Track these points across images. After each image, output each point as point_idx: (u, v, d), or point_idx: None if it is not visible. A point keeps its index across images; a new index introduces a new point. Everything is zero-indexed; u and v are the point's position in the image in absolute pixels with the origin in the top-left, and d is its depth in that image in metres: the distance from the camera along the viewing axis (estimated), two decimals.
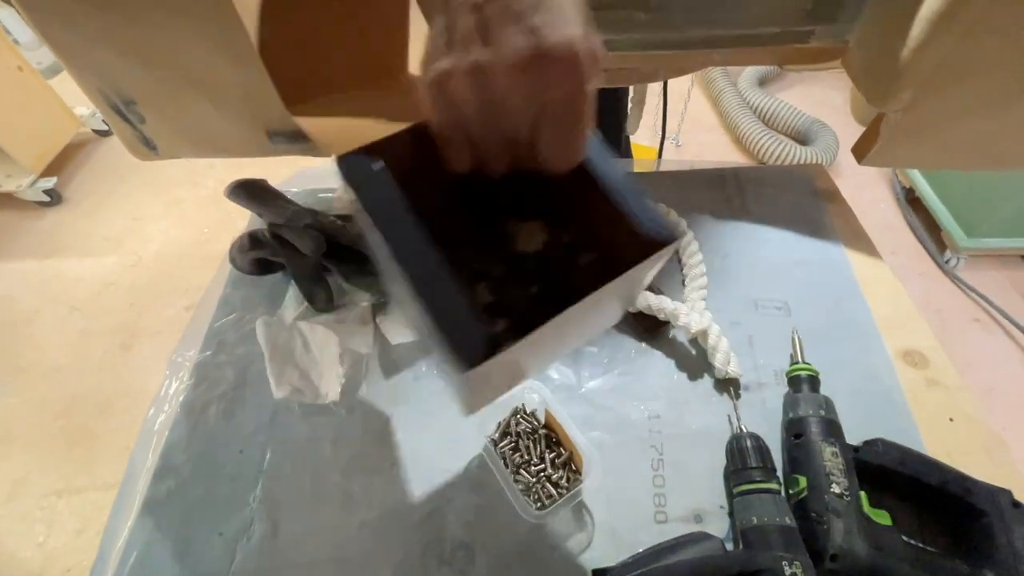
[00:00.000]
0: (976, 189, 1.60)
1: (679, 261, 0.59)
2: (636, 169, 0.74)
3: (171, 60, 0.48)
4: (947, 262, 1.67)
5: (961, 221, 1.64)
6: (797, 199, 0.65)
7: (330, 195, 0.71)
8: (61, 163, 2.08)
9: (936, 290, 1.66)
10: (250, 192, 0.58)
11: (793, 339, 0.50)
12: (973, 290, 1.61)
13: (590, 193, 0.24)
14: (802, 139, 2.05)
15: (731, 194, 0.66)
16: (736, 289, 0.57)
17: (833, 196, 0.66)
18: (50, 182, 1.94)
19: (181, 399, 0.53)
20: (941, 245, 1.70)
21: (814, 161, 1.92)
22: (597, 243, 0.27)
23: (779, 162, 1.95)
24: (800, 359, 0.49)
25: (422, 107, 0.22)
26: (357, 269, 0.59)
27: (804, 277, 0.57)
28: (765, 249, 0.60)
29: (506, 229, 0.29)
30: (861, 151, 0.56)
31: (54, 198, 1.97)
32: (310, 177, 0.75)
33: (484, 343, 0.19)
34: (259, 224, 0.63)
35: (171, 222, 1.90)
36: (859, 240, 0.61)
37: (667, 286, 0.57)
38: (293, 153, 0.59)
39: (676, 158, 2.05)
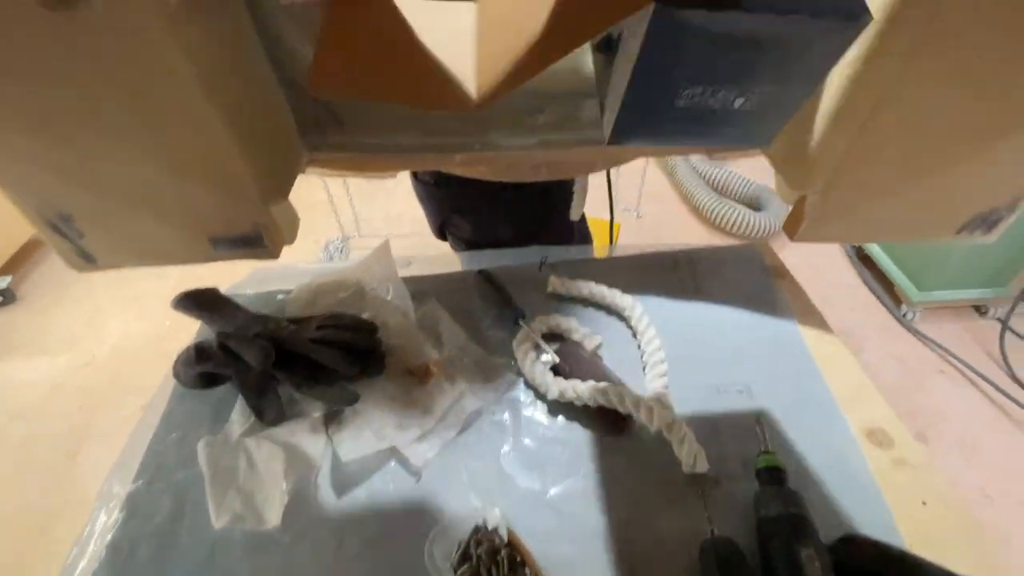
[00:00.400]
0: (920, 245, 1.70)
1: (639, 348, 0.59)
2: (596, 254, 0.75)
3: (110, 179, 0.48)
4: (904, 315, 1.72)
5: (911, 276, 1.72)
6: (748, 278, 0.67)
7: (284, 296, 0.70)
8: (17, 262, 2.03)
9: (898, 343, 1.70)
10: (197, 302, 0.57)
11: (757, 430, 0.49)
12: (933, 341, 1.66)
13: None
14: (754, 205, 2.17)
15: (684, 276, 0.68)
16: (697, 375, 0.56)
17: (781, 272, 0.68)
18: (3, 281, 1.88)
19: (108, 538, 0.48)
20: (897, 299, 1.77)
21: (766, 225, 2.02)
22: None
23: (735, 228, 2.05)
24: (766, 446, 0.48)
25: None
26: (308, 377, 0.57)
27: (763, 358, 0.58)
28: (722, 332, 0.61)
29: None
30: (791, 230, 0.59)
31: (7, 297, 1.90)
32: (264, 278, 0.74)
33: None
34: (208, 333, 0.61)
35: (131, 316, 1.85)
36: (810, 316, 0.62)
37: (628, 375, 0.56)
38: (238, 258, 0.58)
39: (636, 237, 2.13)
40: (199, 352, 0.55)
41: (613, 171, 1.06)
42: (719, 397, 0.54)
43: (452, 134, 0.59)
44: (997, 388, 1.51)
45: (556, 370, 0.56)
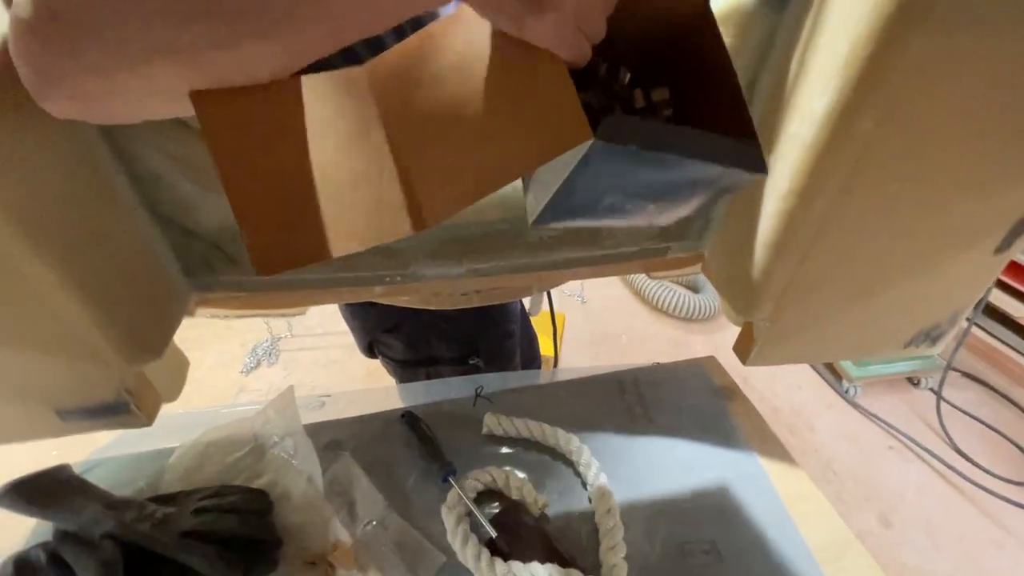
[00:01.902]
0: None
1: (589, 501, 0.51)
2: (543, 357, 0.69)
3: None
4: (847, 391, 1.75)
5: None
6: (699, 402, 0.62)
7: (165, 458, 0.57)
8: None
9: (845, 420, 1.71)
10: (28, 495, 0.44)
11: None
12: (877, 417, 1.68)
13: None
14: (693, 288, 2.23)
15: (632, 402, 0.62)
16: (657, 531, 0.49)
17: (732, 393, 0.64)
18: None
19: None
20: (838, 376, 1.80)
21: (705, 307, 2.06)
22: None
23: (675, 310, 2.08)
24: None
25: None
26: None
27: (728, 506, 0.51)
28: (679, 473, 0.54)
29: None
30: (742, 355, 0.56)
31: None
32: (146, 432, 0.61)
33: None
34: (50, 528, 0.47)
35: None
36: (771, 445, 0.57)
37: (580, 536, 0.48)
38: (99, 429, 0.47)
39: (582, 322, 2.11)
40: (19, 567, 0.41)
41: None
42: (685, 561, 0.46)
43: (368, 267, 0.53)
44: (944, 463, 1.52)
45: (494, 546, 0.46)
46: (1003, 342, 1.83)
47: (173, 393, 0.52)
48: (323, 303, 0.55)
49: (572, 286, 2.23)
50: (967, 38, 0.33)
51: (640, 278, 2.18)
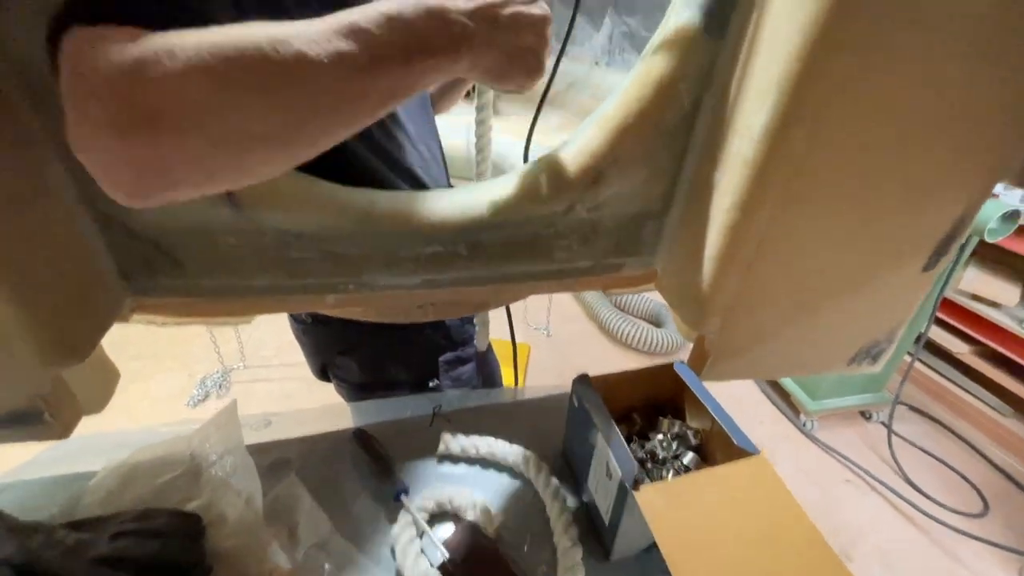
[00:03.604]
0: None
1: (548, 523, 0.49)
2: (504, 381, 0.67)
3: None
4: (804, 425, 1.79)
5: (803, 387, 1.82)
6: None
7: (85, 481, 0.52)
8: None
9: (804, 454, 1.73)
10: None
11: None
12: (833, 450, 1.71)
13: None
14: (655, 322, 2.27)
15: None
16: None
17: None
18: None
19: None
20: (796, 410, 1.84)
21: (667, 341, 2.10)
22: None
23: (638, 344, 2.10)
24: None
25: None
26: None
27: None
28: None
29: None
30: (697, 368, 0.56)
31: None
32: (67, 453, 0.57)
33: None
34: None
35: None
36: None
37: (537, 554, 0.45)
38: (4, 441, 0.43)
39: (547, 355, 2.11)
40: None
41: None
42: None
43: (319, 274, 0.52)
44: (899, 495, 1.56)
45: (447, 569, 0.44)
46: (945, 377, 1.92)
47: (98, 405, 0.48)
48: (270, 312, 0.53)
49: (538, 319, 2.23)
50: (882, 59, 0.36)
51: (605, 313, 2.21)
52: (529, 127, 0.57)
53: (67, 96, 0.28)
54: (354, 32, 0.30)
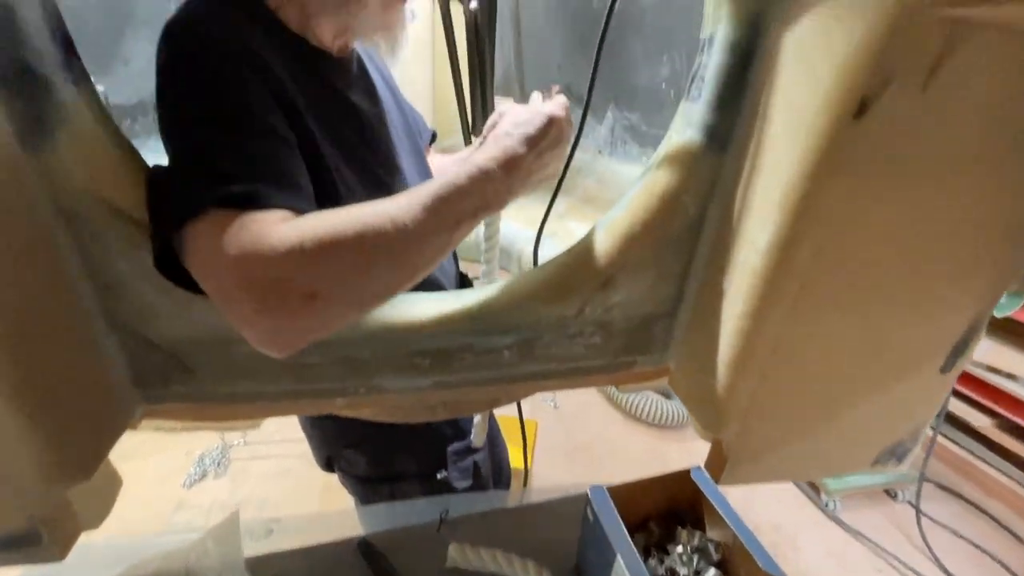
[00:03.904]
0: None
1: None
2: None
3: None
4: (827, 505, 1.70)
5: None
6: None
7: None
8: None
9: (830, 537, 1.63)
10: None
11: None
12: (861, 534, 1.61)
13: None
14: (666, 394, 2.22)
15: None
16: None
17: None
18: None
19: None
20: (817, 489, 1.76)
21: (677, 413, 2.04)
22: None
23: (648, 416, 2.05)
24: None
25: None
26: None
27: None
28: None
29: None
30: (715, 473, 0.54)
31: None
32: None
33: None
34: None
35: None
36: None
37: None
38: (3, 564, 0.41)
39: (554, 427, 2.06)
40: None
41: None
42: None
43: (330, 379, 0.51)
44: None
45: None
46: (970, 452, 1.84)
47: (97, 519, 0.47)
48: (280, 415, 0.52)
49: (546, 392, 2.19)
50: (882, 184, 0.37)
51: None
52: (540, 224, 0.59)
53: (222, 282, 0.34)
54: (437, 204, 0.38)
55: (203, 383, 0.47)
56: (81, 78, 0.38)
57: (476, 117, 1.01)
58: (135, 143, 0.43)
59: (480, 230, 0.56)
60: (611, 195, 1.09)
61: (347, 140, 0.50)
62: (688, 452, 1.97)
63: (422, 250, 0.39)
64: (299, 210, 0.37)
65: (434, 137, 0.75)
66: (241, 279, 0.34)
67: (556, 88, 0.51)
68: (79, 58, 0.38)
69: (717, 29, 0.43)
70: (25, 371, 0.36)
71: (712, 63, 0.44)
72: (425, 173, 0.64)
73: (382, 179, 0.53)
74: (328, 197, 0.44)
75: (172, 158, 0.37)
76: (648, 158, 1.16)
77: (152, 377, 0.46)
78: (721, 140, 0.45)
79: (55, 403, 0.39)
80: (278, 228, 0.34)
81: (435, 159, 0.72)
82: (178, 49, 0.39)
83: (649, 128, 0.88)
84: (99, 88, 0.74)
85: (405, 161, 0.59)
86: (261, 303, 0.34)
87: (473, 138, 1.03)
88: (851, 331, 0.45)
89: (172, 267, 0.38)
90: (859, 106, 0.34)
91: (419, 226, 0.37)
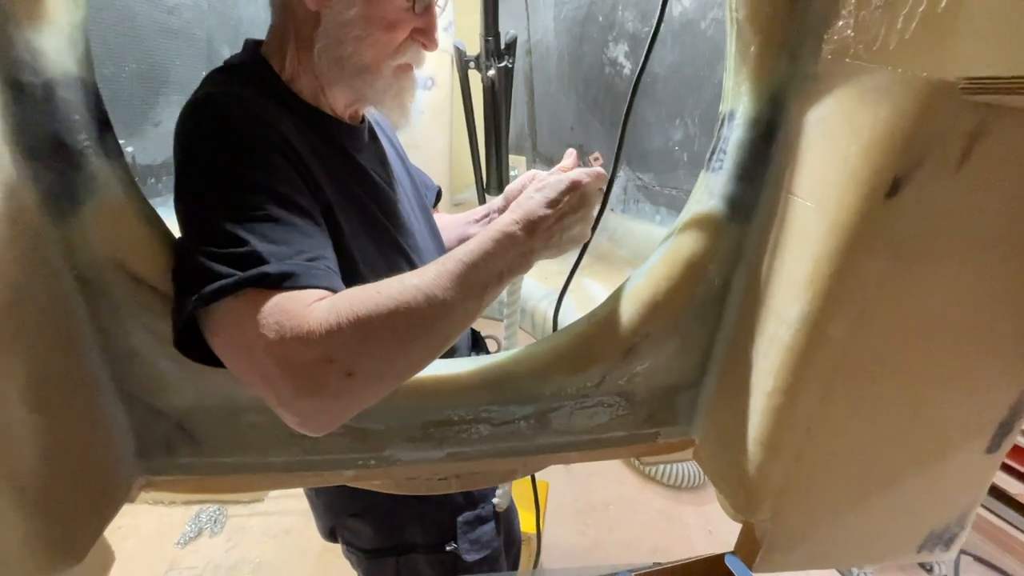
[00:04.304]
0: None
1: None
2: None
3: None
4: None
5: None
6: None
7: None
8: None
9: None
10: None
11: None
12: None
13: None
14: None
15: None
16: None
17: None
18: None
19: None
20: None
21: (693, 474, 1.96)
22: None
23: (664, 477, 1.96)
24: None
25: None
26: None
27: None
28: None
29: None
30: (748, 559, 0.50)
31: None
32: None
33: None
34: None
35: None
36: None
37: None
38: None
39: (566, 488, 1.98)
40: None
41: None
42: None
43: (339, 450, 0.49)
44: None
45: None
46: (1009, 523, 1.73)
47: None
48: (286, 487, 0.50)
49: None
50: (916, 261, 0.36)
51: None
52: (563, 284, 0.57)
53: (258, 363, 0.34)
54: (466, 271, 0.39)
55: (209, 453, 0.46)
56: (114, 152, 0.39)
57: (490, 176, 1.03)
58: (159, 201, 0.43)
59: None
60: (624, 253, 1.09)
61: (361, 204, 0.50)
62: (705, 516, 1.87)
63: (453, 320, 0.39)
64: (332, 289, 0.37)
65: (439, 195, 0.76)
66: (280, 361, 0.33)
67: (595, 156, 0.52)
68: (114, 133, 0.39)
69: (738, 105, 0.43)
70: (25, 444, 0.34)
71: (733, 137, 0.44)
72: (433, 229, 0.64)
73: (395, 238, 0.53)
74: (342, 261, 0.44)
75: (197, 233, 0.37)
76: (661, 216, 1.17)
77: (156, 447, 0.45)
78: (745, 211, 0.45)
79: (54, 480, 0.37)
80: (314, 309, 0.34)
81: (441, 217, 0.72)
82: (203, 127, 0.39)
83: (662, 188, 0.89)
84: (128, 150, 0.76)
85: (415, 220, 0.60)
86: (301, 385, 0.34)
87: (487, 196, 1.04)
88: (890, 408, 0.43)
89: (192, 343, 0.37)
90: (891, 186, 0.33)
91: (450, 296, 0.38)
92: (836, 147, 0.36)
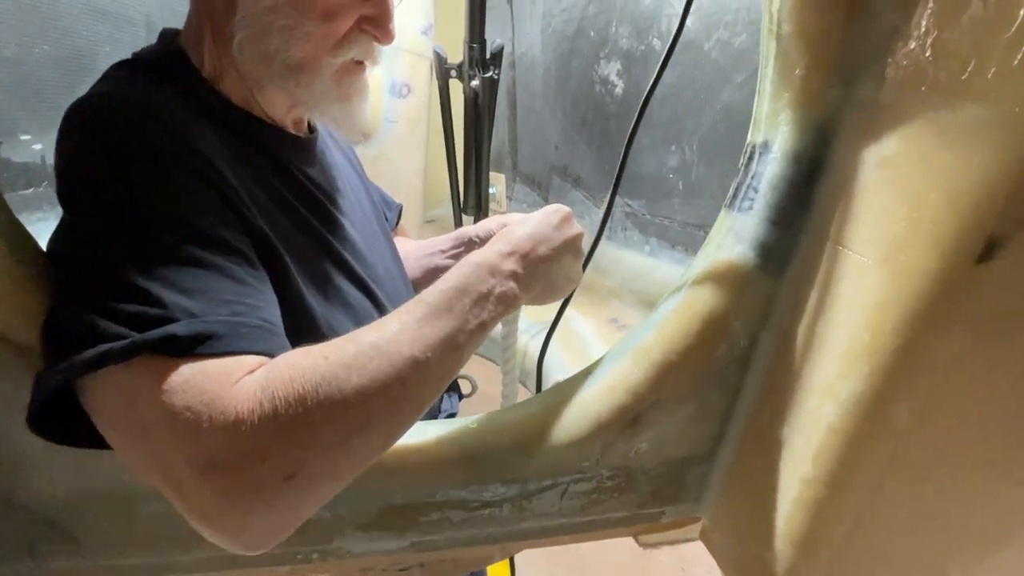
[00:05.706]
0: None
1: None
2: None
3: None
4: None
5: None
6: None
7: None
8: None
9: None
10: None
11: None
12: None
13: None
14: None
15: None
16: None
17: None
18: None
19: None
20: None
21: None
22: None
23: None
24: None
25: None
26: None
27: None
28: None
29: None
30: None
31: None
32: None
33: None
34: None
35: None
36: None
37: None
38: None
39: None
40: None
41: None
42: None
43: None
44: None
45: None
46: None
47: None
48: None
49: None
50: (1002, 343, 0.30)
51: None
52: (548, 330, 0.50)
53: (162, 459, 0.24)
54: (439, 322, 0.31)
55: (91, 555, 0.34)
56: None
57: (468, 193, 0.94)
58: None
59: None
60: (610, 283, 1.03)
61: (310, 231, 0.40)
62: (680, 555, 1.80)
63: (427, 383, 0.31)
64: (268, 353, 0.27)
65: (399, 214, 0.66)
66: (193, 462, 0.23)
67: None
68: None
69: (775, 135, 0.37)
70: None
71: (768, 172, 0.37)
72: (396, 256, 0.55)
73: (354, 270, 0.44)
74: (287, 307, 0.34)
75: (81, 279, 0.27)
76: (651, 247, 1.12)
77: (13, 551, 0.33)
78: (778, 261, 0.38)
79: None
80: (242, 386, 0.25)
81: (404, 243, 0.62)
82: (94, 139, 0.29)
83: (653, 216, 0.84)
84: (36, 147, 0.64)
85: (377, 246, 0.50)
86: (225, 491, 0.24)
87: (464, 216, 0.95)
88: (948, 498, 0.36)
89: (56, 418, 0.27)
90: (984, 249, 0.27)
91: (420, 353, 0.29)
92: (906, 195, 0.30)
